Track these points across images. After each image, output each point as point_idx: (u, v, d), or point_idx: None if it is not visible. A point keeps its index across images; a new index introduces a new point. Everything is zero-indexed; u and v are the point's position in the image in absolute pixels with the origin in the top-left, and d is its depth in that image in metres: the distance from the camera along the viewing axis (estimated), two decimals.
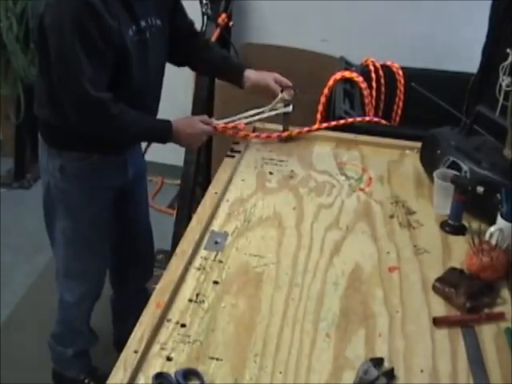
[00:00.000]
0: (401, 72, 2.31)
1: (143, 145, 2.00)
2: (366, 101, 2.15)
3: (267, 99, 1.74)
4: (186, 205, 2.49)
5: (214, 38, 2.43)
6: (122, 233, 1.87)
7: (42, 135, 1.65)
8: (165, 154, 3.00)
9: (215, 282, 1.22)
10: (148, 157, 2.93)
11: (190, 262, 1.27)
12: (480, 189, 1.39)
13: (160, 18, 1.57)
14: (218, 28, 2.44)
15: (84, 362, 1.99)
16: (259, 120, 1.77)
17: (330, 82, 2.14)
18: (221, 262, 1.28)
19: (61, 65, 1.42)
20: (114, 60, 1.44)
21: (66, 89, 1.45)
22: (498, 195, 1.33)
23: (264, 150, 1.74)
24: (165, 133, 1.58)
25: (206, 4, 2.42)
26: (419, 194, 1.56)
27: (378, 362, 1.02)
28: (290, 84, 1.74)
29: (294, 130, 1.79)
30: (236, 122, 1.73)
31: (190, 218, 2.09)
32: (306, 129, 1.81)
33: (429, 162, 1.60)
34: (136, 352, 1.03)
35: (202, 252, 1.31)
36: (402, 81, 2.30)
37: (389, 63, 2.34)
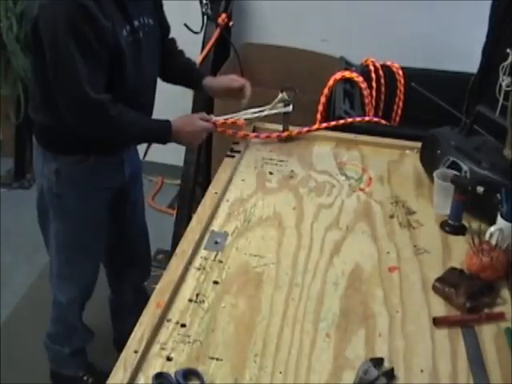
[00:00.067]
0: (401, 72, 2.31)
1: (144, 146, 2.00)
2: (366, 101, 2.15)
3: (237, 100, 1.72)
4: (185, 205, 2.49)
5: (213, 38, 2.43)
6: (119, 233, 1.87)
7: (38, 139, 1.63)
8: (165, 154, 3.00)
9: (215, 282, 1.22)
10: (148, 157, 2.93)
11: (190, 262, 1.27)
12: (480, 189, 1.39)
13: (152, 18, 1.57)
14: (218, 28, 2.44)
15: (81, 360, 1.99)
16: (258, 119, 1.77)
17: (330, 82, 2.14)
18: (221, 261, 1.28)
19: (57, 67, 1.41)
20: (109, 60, 1.44)
21: (64, 91, 1.44)
22: (498, 195, 1.33)
23: (264, 150, 1.74)
24: (164, 133, 1.58)
25: (206, 4, 2.42)
26: (419, 194, 1.56)
27: (377, 362, 1.02)
28: (243, 82, 1.72)
29: (294, 130, 1.79)
30: (235, 119, 1.73)
31: (190, 218, 2.08)
32: (305, 129, 1.81)
33: (429, 162, 1.60)
34: (136, 352, 1.03)
35: (202, 252, 1.31)
36: (402, 81, 2.30)
37: (389, 63, 2.34)
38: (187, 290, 1.20)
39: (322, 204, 1.50)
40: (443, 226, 1.42)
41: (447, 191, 1.41)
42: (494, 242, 1.27)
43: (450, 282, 1.21)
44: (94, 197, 1.67)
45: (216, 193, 1.50)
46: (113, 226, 1.80)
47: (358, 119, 1.87)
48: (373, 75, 2.26)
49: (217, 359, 1.05)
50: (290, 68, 2.59)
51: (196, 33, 2.42)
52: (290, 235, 1.38)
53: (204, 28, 2.45)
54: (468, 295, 1.17)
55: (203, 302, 1.17)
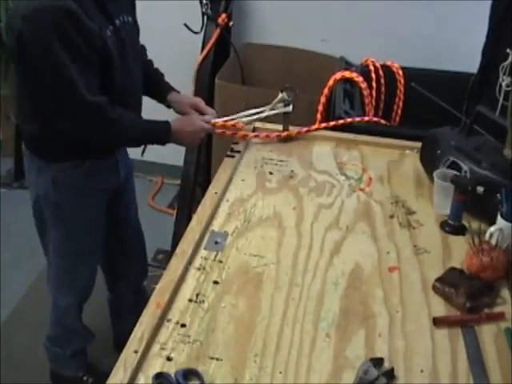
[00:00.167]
0: (401, 72, 2.31)
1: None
2: (366, 101, 2.15)
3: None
4: (185, 205, 2.50)
5: (213, 38, 2.43)
6: (114, 234, 1.87)
7: (30, 149, 1.61)
8: (165, 154, 3.00)
9: (215, 282, 1.22)
10: (148, 157, 2.93)
11: (190, 262, 1.27)
12: (480, 189, 1.39)
13: (130, 15, 1.56)
14: (218, 28, 2.44)
15: (81, 360, 1.99)
16: (258, 119, 1.77)
17: (330, 82, 2.14)
18: (221, 262, 1.28)
19: (50, 75, 1.38)
20: (98, 63, 1.43)
21: (59, 97, 1.42)
22: (498, 195, 1.33)
23: (264, 150, 1.74)
24: (163, 134, 1.58)
25: (206, 4, 2.42)
26: (419, 194, 1.56)
27: (378, 362, 1.02)
28: (209, 111, 1.71)
29: (294, 130, 1.79)
30: (235, 121, 1.73)
31: (190, 218, 2.09)
32: (304, 129, 1.81)
33: (429, 162, 1.60)
34: (136, 352, 1.03)
35: (202, 252, 1.31)
36: (402, 81, 2.30)
37: (389, 63, 2.34)
38: (187, 290, 1.20)
39: (322, 204, 1.50)
40: (443, 226, 1.42)
41: (447, 191, 1.41)
42: (494, 242, 1.27)
43: (450, 282, 1.21)
44: (91, 201, 1.67)
45: (216, 193, 1.50)
46: (108, 228, 1.80)
47: (358, 119, 1.87)
48: (373, 75, 2.26)
49: (217, 359, 1.05)
50: (290, 68, 2.60)
51: (196, 33, 2.42)
52: (289, 235, 1.38)
53: (204, 28, 2.45)
54: (468, 295, 1.17)
55: (203, 302, 1.17)
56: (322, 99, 2.13)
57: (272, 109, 1.74)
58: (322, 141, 1.81)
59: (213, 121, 1.69)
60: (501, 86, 1.72)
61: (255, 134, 1.78)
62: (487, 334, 1.13)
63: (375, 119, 1.95)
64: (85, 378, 1.98)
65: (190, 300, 1.18)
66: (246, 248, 1.33)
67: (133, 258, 2.03)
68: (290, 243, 1.35)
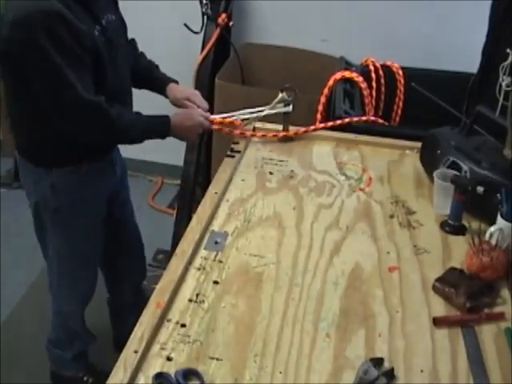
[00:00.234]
0: (401, 72, 2.31)
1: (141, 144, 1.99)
2: (366, 101, 2.15)
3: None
4: (185, 205, 2.49)
5: (213, 38, 2.43)
6: (112, 234, 1.87)
7: (27, 158, 1.60)
8: (165, 154, 3.01)
9: (215, 282, 1.22)
10: (148, 157, 2.94)
11: (190, 262, 1.27)
12: (480, 189, 1.39)
13: (114, 13, 1.55)
14: (218, 28, 2.44)
15: (82, 362, 1.99)
16: (257, 118, 1.77)
17: (330, 82, 2.14)
18: (221, 262, 1.28)
19: (46, 78, 1.38)
20: (91, 64, 1.43)
21: (57, 99, 1.41)
22: (498, 195, 1.33)
23: (264, 150, 1.74)
24: (163, 129, 1.57)
25: (206, 4, 2.42)
26: (419, 194, 1.56)
27: (378, 362, 1.02)
28: (203, 105, 1.71)
29: (291, 131, 1.78)
30: (233, 118, 1.73)
31: (190, 218, 2.09)
32: (302, 129, 1.80)
33: (429, 162, 1.60)
34: (136, 352, 1.03)
35: (202, 252, 1.31)
36: (402, 81, 2.30)
37: (389, 63, 2.34)
38: (187, 290, 1.20)
39: (322, 204, 1.50)
40: (443, 226, 1.42)
41: (447, 191, 1.41)
42: (494, 242, 1.27)
43: (450, 282, 1.21)
44: (91, 203, 1.67)
45: (216, 193, 1.50)
46: (106, 228, 1.80)
47: (355, 119, 1.86)
48: (373, 75, 2.26)
49: (217, 359, 1.05)
50: (290, 68, 2.59)
51: (196, 33, 2.42)
52: (290, 235, 1.38)
53: (204, 28, 2.45)
54: (468, 295, 1.17)
55: (203, 302, 1.17)
56: (322, 99, 2.13)
57: (272, 109, 1.74)
58: (321, 141, 1.81)
59: (211, 117, 1.69)
60: (501, 85, 1.72)
61: (252, 132, 1.78)
62: (487, 334, 1.13)
63: (372, 118, 1.94)
64: (85, 379, 1.98)
65: (190, 300, 1.18)
66: (246, 248, 1.33)
67: (133, 258, 2.03)
68: (290, 243, 1.35)
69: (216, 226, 1.40)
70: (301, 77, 2.34)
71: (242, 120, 1.74)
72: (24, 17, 1.32)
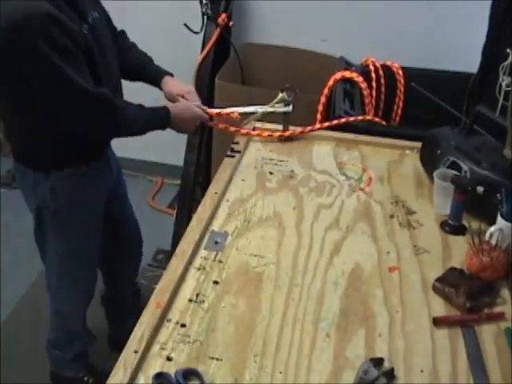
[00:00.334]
0: (401, 72, 2.31)
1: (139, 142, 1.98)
2: (366, 101, 2.15)
3: None
4: (185, 205, 2.49)
5: (213, 38, 2.43)
6: (110, 233, 1.87)
7: (25, 163, 1.59)
8: (165, 154, 3.01)
9: (215, 282, 1.22)
10: (148, 157, 2.94)
11: (190, 262, 1.27)
12: (480, 189, 1.39)
13: (96, 9, 1.55)
14: (218, 28, 2.44)
15: (82, 362, 1.99)
16: (256, 118, 1.77)
17: (330, 82, 2.14)
18: (221, 262, 1.28)
19: (47, 79, 1.37)
20: (85, 61, 1.43)
21: (62, 97, 1.40)
22: (498, 195, 1.33)
23: (264, 150, 1.74)
24: (164, 119, 1.58)
25: (206, 4, 2.42)
26: (419, 194, 1.56)
27: (378, 362, 1.02)
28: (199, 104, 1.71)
29: (288, 131, 1.78)
30: (229, 110, 1.73)
31: (190, 218, 2.09)
32: (299, 130, 1.80)
33: (429, 162, 1.60)
34: (136, 352, 1.03)
35: (202, 252, 1.31)
36: (402, 81, 2.30)
37: (389, 63, 2.34)
38: (187, 290, 1.20)
39: (322, 204, 1.50)
40: (443, 226, 1.42)
41: (447, 191, 1.41)
42: (494, 242, 1.27)
43: (450, 282, 1.21)
44: (89, 203, 1.67)
45: (216, 193, 1.50)
46: (105, 227, 1.80)
47: (351, 119, 1.86)
48: (373, 75, 2.26)
49: (217, 359, 1.05)
50: (290, 68, 2.59)
51: (196, 33, 2.42)
52: (290, 235, 1.38)
53: (204, 28, 2.45)
54: (468, 295, 1.17)
55: (203, 302, 1.17)
56: (322, 99, 2.13)
57: (271, 107, 1.74)
58: (321, 141, 1.81)
59: (208, 110, 1.70)
60: (501, 85, 1.72)
61: (248, 130, 1.77)
62: (487, 334, 1.13)
63: (369, 118, 1.94)
64: (85, 379, 1.97)
65: (190, 300, 1.18)
66: (246, 248, 1.33)
67: (132, 257, 2.04)
68: (290, 243, 1.35)
69: (216, 225, 1.40)
70: (301, 77, 2.34)
71: (240, 114, 1.74)
72: (19, 24, 1.30)
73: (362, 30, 2.60)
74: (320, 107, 2.13)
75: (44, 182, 1.57)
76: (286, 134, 1.78)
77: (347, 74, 2.15)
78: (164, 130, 1.60)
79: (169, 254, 2.35)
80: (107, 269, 2.03)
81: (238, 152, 1.70)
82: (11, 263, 2.53)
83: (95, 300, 1.94)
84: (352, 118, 1.86)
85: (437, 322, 1.14)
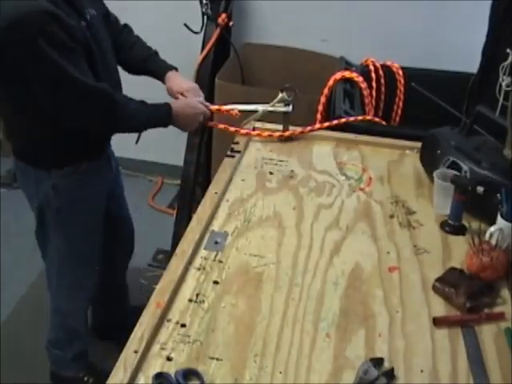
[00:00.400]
0: (401, 72, 2.31)
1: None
2: (366, 101, 2.15)
3: None
4: (185, 205, 2.49)
5: (213, 38, 2.43)
6: (110, 232, 1.87)
7: (26, 161, 1.59)
8: (165, 154, 3.01)
9: (215, 282, 1.22)
10: (148, 157, 2.94)
11: (190, 262, 1.27)
12: (480, 189, 1.39)
13: (94, 7, 1.55)
14: (218, 28, 2.44)
15: (82, 362, 1.99)
16: (255, 116, 1.77)
17: (330, 82, 2.14)
18: (221, 262, 1.28)
19: (47, 76, 1.37)
20: (84, 57, 1.43)
21: (64, 94, 1.40)
22: (498, 195, 1.33)
23: (264, 150, 1.74)
24: (165, 116, 1.57)
25: (206, 4, 2.42)
26: (419, 194, 1.56)
27: (378, 362, 1.02)
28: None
29: (288, 131, 1.78)
30: (229, 107, 1.73)
31: (190, 218, 2.09)
32: (299, 130, 1.80)
33: (429, 162, 1.60)
34: (136, 352, 1.03)
35: (202, 252, 1.31)
36: (402, 81, 2.30)
37: (389, 63, 2.34)
38: (187, 290, 1.20)
39: (322, 204, 1.50)
40: (443, 226, 1.42)
41: (447, 191, 1.41)
42: (494, 242, 1.27)
43: (450, 282, 1.21)
44: (90, 202, 1.68)
45: (216, 193, 1.50)
46: (105, 227, 1.81)
47: (351, 119, 1.86)
48: (373, 75, 2.26)
49: (217, 359, 1.05)
50: (290, 68, 2.59)
51: (196, 33, 2.42)
52: (290, 235, 1.38)
53: (204, 28, 2.45)
54: (468, 295, 1.17)
55: (203, 302, 1.17)
56: (322, 99, 2.13)
57: (271, 107, 1.74)
58: (321, 141, 1.81)
59: (210, 106, 1.71)
60: (501, 85, 1.72)
61: (247, 130, 1.77)
62: (487, 334, 1.13)
63: (368, 117, 1.94)
64: (85, 379, 1.98)
65: (190, 300, 1.18)
66: (246, 248, 1.33)
67: (128, 253, 2.05)
68: (290, 243, 1.35)
69: (216, 225, 1.40)
70: (301, 77, 2.34)
71: (240, 111, 1.74)
72: (18, 23, 1.30)
73: (362, 30, 2.60)
74: (320, 107, 2.13)
75: (46, 179, 1.57)
76: (286, 134, 1.78)
77: (347, 74, 2.15)
78: (166, 127, 1.59)
79: (169, 254, 2.35)
80: (106, 268, 2.03)
81: (238, 152, 1.70)
82: (11, 263, 2.53)
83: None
84: (352, 118, 1.86)
85: (437, 322, 1.14)
